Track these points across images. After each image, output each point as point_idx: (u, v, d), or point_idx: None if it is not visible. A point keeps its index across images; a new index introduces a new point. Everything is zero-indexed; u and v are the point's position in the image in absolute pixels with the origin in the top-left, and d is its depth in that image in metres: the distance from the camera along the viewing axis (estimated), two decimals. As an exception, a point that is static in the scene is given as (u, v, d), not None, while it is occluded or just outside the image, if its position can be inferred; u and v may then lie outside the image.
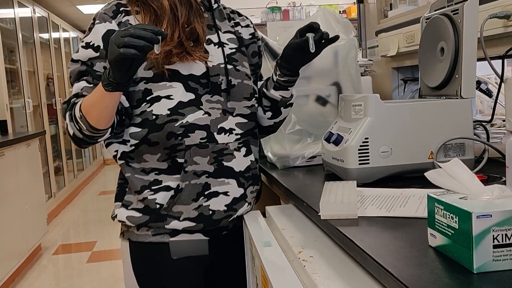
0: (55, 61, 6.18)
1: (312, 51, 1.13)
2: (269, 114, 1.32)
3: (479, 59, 1.30)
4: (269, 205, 1.33)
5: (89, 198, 6.41)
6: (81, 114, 1.08)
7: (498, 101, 1.43)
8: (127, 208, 1.19)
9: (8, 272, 3.29)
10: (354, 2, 2.68)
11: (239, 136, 1.22)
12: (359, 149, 1.16)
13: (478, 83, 1.92)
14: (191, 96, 1.16)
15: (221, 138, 1.18)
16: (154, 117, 1.15)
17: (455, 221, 0.63)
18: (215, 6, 1.28)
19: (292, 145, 1.52)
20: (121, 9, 1.18)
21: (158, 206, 1.16)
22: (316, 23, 1.16)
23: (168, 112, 1.14)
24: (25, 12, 5.12)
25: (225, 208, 1.19)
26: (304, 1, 5.25)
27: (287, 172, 1.47)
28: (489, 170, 1.18)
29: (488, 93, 1.82)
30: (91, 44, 1.15)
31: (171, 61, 1.13)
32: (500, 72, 1.31)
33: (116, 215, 1.21)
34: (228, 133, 1.20)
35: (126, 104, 1.15)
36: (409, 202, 0.97)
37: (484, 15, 1.33)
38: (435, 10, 1.37)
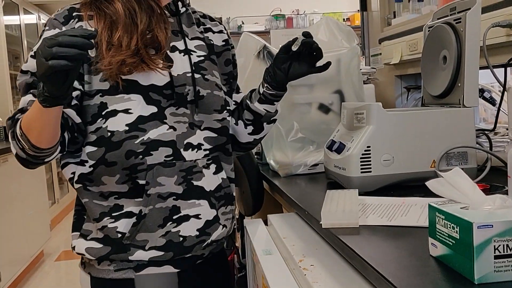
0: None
1: (294, 49, 1.07)
2: (250, 128, 1.20)
3: (482, 68, 1.30)
4: (271, 213, 1.33)
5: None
6: (21, 132, 0.96)
7: (501, 109, 1.43)
8: (85, 239, 1.06)
9: (10, 278, 3.29)
10: (358, 10, 2.68)
11: (207, 152, 1.10)
12: (361, 158, 1.16)
13: (482, 91, 1.92)
14: (153, 109, 1.03)
15: (188, 155, 1.06)
16: (109, 134, 1.02)
17: (456, 231, 0.63)
18: (182, 10, 1.15)
19: (295, 153, 1.52)
20: (74, 14, 1.07)
21: (119, 235, 1.02)
22: (309, 32, 1.11)
23: (127, 128, 1.02)
24: (30, 18, 5.15)
25: (197, 233, 1.06)
26: (307, 9, 5.27)
27: (289, 180, 1.46)
28: (492, 179, 1.18)
29: (491, 101, 1.81)
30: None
31: (125, 72, 1.01)
32: (502, 81, 1.31)
33: (74, 246, 1.08)
34: (196, 149, 1.07)
35: (78, 120, 1.03)
36: (411, 211, 0.97)
37: (487, 23, 1.34)
38: (438, 19, 1.37)
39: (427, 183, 0.73)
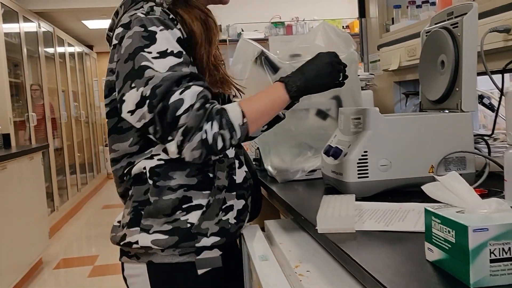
0: (60, 76, 6.22)
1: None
2: (265, 127, 1.33)
3: (480, 73, 1.30)
4: (269, 219, 1.32)
5: (92, 212, 6.40)
6: (244, 121, 1.03)
7: (499, 114, 1.42)
8: (148, 233, 1.11)
9: (9, 286, 3.27)
10: (357, 17, 2.69)
11: (235, 149, 1.23)
12: (358, 163, 1.15)
13: (481, 97, 1.91)
14: None
15: (230, 152, 1.19)
16: None
17: (452, 235, 0.62)
18: None
19: (292, 158, 1.51)
20: (171, 17, 1.10)
21: (189, 225, 1.11)
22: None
23: None
24: (30, 27, 5.17)
25: (235, 221, 1.18)
26: (307, 16, 5.29)
27: (287, 185, 1.46)
28: (490, 184, 1.17)
29: (491, 107, 1.81)
30: (168, 52, 1.03)
31: (215, 88, 1.16)
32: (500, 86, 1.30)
33: (137, 241, 1.12)
34: (232, 147, 1.17)
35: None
36: (408, 217, 0.96)
37: (485, 28, 1.33)
38: (435, 24, 1.37)
39: (423, 187, 0.72)
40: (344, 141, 1.24)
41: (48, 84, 5.59)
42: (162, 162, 1.11)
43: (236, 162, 1.22)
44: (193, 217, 1.11)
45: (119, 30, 1.10)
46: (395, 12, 2.27)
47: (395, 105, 2.28)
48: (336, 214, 0.91)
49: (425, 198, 0.77)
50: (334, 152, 1.21)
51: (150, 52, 1.02)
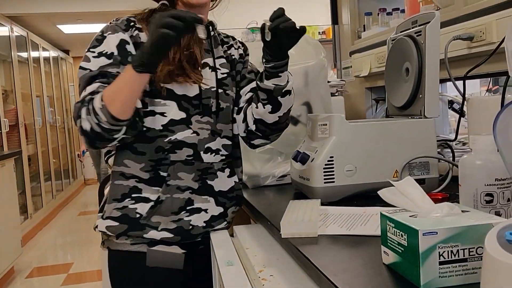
0: (34, 81, 6.14)
1: (267, 39, 1.10)
2: (268, 107, 1.22)
3: (446, 80, 1.33)
4: (240, 224, 1.33)
5: (68, 219, 6.31)
6: (102, 104, 1.07)
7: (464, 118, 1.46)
8: (103, 218, 1.22)
9: (-21, 295, 3.21)
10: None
11: (224, 157, 1.26)
12: (324, 168, 1.17)
13: (451, 102, 1.96)
14: (183, 115, 1.20)
15: (207, 158, 1.23)
16: (145, 129, 1.19)
17: (404, 238, 0.64)
18: (212, 33, 1.31)
19: (263, 164, 1.52)
20: (131, 24, 1.22)
21: (138, 215, 1.19)
22: (281, 9, 1.10)
23: (161, 128, 1.19)
24: (2, 31, 5.09)
25: (204, 225, 1.23)
26: (283, 22, 5.31)
27: (257, 191, 1.47)
28: (453, 188, 1.19)
29: (460, 112, 1.85)
30: (103, 52, 1.17)
31: (168, 80, 1.18)
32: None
33: (97, 226, 1.24)
34: (214, 153, 1.24)
35: (139, 104, 1.15)
36: (371, 221, 0.98)
37: (449, 36, 1.37)
38: (401, 32, 1.40)
39: (379, 192, 0.74)
40: (312, 146, 1.26)
41: (22, 90, 5.51)
42: (118, 147, 1.21)
43: (227, 170, 1.27)
44: (142, 208, 1.19)
45: None
46: (367, 19, 2.31)
47: (367, 111, 2.31)
48: (300, 219, 0.93)
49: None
50: (301, 158, 1.23)
51: (93, 52, 1.17)
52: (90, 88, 1.13)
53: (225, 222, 1.28)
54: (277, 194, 1.43)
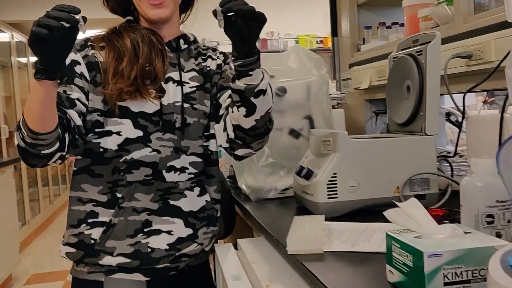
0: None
1: (220, 26, 1.00)
2: (243, 110, 1.10)
3: (444, 94, 1.36)
4: (243, 237, 1.35)
5: (65, 224, 6.29)
6: (22, 119, 1.03)
7: (462, 131, 1.49)
8: (63, 244, 1.20)
9: (-23, 302, 3.21)
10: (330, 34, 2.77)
11: (192, 176, 1.21)
12: (327, 184, 1.20)
13: (448, 115, 2.00)
14: (139, 133, 1.16)
15: (169, 176, 1.18)
16: (102, 150, 1.17)
17: (410, 259, 0.67)
18: (184, 47, 1.28)
19: (265, 177, 1.55)
20: (89, 43, 1.21)
21: (92, 241, 1.15)
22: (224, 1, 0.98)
23: (116, 148, 1.16)
24: (3, 37, 5.12)
25: (167, 247, 1.16)
26: (282, 31, 5.37)
27: (260, 204, 1.49)
28: (452, 204, 1.23)
29: (457, 124, 1.89)
30: None
31: (122, 99, 1.15)
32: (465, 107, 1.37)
33: (60, 250, 1.22)
34: (179, 172, 1.19)
35: (78, 122, 1.12)
36: (374, 237, 1.01)
37: (448, 54, 1.40)
38: (402, 50, 1.43)
39: (384, 213, 0.77)
40: (315, 162, 1.29)
41: (21, 95, 5.52)
42: (75, 172, 1.19)
43: (196, 189, 1.22)
44: (96, 233, 1.15)
45: None
46: (366, 33, 2.35)
47: (366, 123, 2.35)
48: (305, 235, 0.96)
49: (390, 218, 0.82)
50: (306, 173, 1.26)
51: None
52: None
53: (196, 244, 1.21)
54: (280, 207, 1.45)
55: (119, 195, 1.15)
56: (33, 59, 5.61)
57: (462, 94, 1.41)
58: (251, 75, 1.06)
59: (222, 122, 1.22)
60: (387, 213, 0.76)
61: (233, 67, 1.09)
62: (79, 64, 1.17)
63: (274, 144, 1.59)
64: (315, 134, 1.33)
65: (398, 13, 2.28)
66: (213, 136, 1.26)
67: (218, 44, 5.39)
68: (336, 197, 1.20)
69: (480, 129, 1.17)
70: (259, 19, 0.99)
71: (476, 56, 1.38)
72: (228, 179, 1.79)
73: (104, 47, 1.20)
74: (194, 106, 1.22)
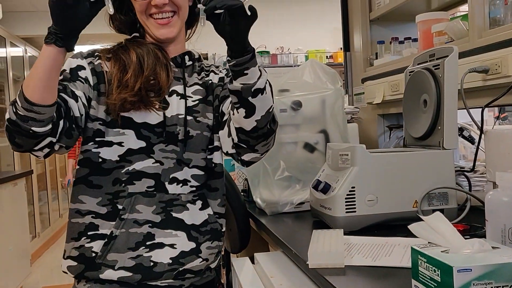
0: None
1: (203, 25, 1.00)
2: (242, 111, 1.08)
3: (460, 108, 1.36)
4: (258, 250, 1.35)
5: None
6: (21, 90, 1.01)
7: (480, 148, 1.48)
8: (64, 257, 1.17)
9: (-12, 315, 3.21)
10: (340, 48, 2.78)
11: (194, 189, 1.20)
12: (346, 198, 1.20)
13: (461, 130, 1.99)
14: (142, 144, 1.16)
15: (172, 188, 1.16)
16: (100, 160, 1.16)
17: (437, 274, 0.66)
18: (189, 63, 1.29)
19: (281, 191, 1.55)
20: (96, 54, 1.23)
21: (93, 254, 1.13)
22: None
23: (118, 159, 1.15)
24: (16, 51, 5.18)
25: (170, 261, 1.14)
26: (292, 46, 5.40)
27: (275, 218, 1.49)
28: (472, 219, 1.22)
29: (470, 140, 1.88)
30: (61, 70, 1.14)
31: (125, 109, 1.15)
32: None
33: (61, 265, 1.19)
34: (181, 184, 1.17)
35: (77, 113, 1.11)
36: (394, 251, 1.00)
37: (464, 68, 1.40)
38: (418, 64, 1.44)
39: (409, 227, 0.76)
40: (332, 176, 1.29)
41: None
42: (74, 181, 1.17)
43: (198, 202, 1.20)
44: (97, 246, 1.13)
45: None
46: (379, 47, 2.36)
47: (379, 137, 2.34)
48: (326, 249, 0.95)
49: (409, 232, 0.81)
50: (323, 187, 1.25)
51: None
52: None
53: (200, 260, 1.18)
54: (296, 221, 1.45)
55: (120, 207, 1.13)
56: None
57: (477, 109, 1.41)
58: (246, 74, 1.03)
59: (226, 127, 1.19)
60: (412, 227, 0.75)
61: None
62: (84, 69, 1.17)
63: (290, 158, 1.59)
64: (333, 148, 1.33)
65: (411, 28, 2.29)
66: (217, 149, 1.25)
67: (228, 58, 5.42)
68: (354, 211, 1.20)
69: (500, 143, 1.16)
70: (249, 15, 0.94)
71: (493, 70, 1.38)
72: (242, 193, 1.79)
73: (110, 58, 1.21)
74: (197, 118, 1.22)
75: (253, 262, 1.29)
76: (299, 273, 1.09)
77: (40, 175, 5.78)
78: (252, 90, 1.05)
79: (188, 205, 1.18)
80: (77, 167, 1.18)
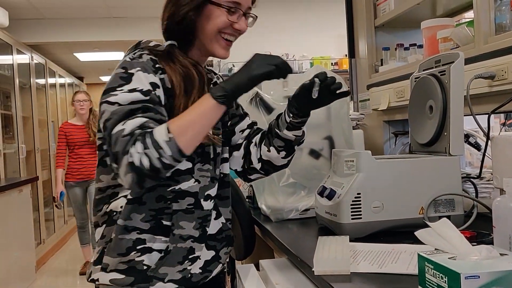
0: (50, 106, 6.24)
1: (314, 97, 1.14)
2: (283, 153, 1.27)
3: (466, 114, 1.35)
4: (262, 257, 1.34)
5: (79, 244, 6.29)
6: (170, 136, 1.01)
7: (486, 154, 1.47)
8: (106, 271, 1.16)
9: (-7, 322, 3.21)
10: (345, 55, 2.78)
11: (214, 201, 1.23)
12: (351, 204, 1.19)
13: (467, 136, 1.98)
14: (189, 165, 1.17)
15: (206, 205, 1.20)
16: None
17: (445, 280, 0.66)
18: (214, 79, 1.31)
19: (286, 197, 1.54)
20: (157, 66, 1.16)
21: (145, 267, 1.15)
22: (324, 73, 1.16)
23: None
24: (23, 58, 5.21)
25: (201, 271, 1.20)
26: (297, 53, 5.40)
27: (280, 224, 1.48)
28: (479, 225, 1.21)
29: (476, 146, 1.87)
30: (138, 89, 1.09)
31: None
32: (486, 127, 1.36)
33: (98, 279, 1.18)
34: (212, 200, 1.21)
35: None
36: (401, 258, 0.99)
37: (469, 74, 1.40)
38: (424, 70, 1.43)
39: (416, 233, 0.75)
40: (338, 182, 1.28)
41: (39, 116, 5.60)
42: (126, 201, 1.15)
43: (213, 213, 1.23)
44: (149, 260, 1.14)
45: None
46: (384, 54, 2.35)
47: (385, 144, 2.33)
48: (332, 256, 0.94)
49: (415, 239, 0.80)
50: (328, 194, 1.25)
51: (121, 90, 1.08)
52: (134, 122, 1.04)
53: (221, 265, 1.25)
54: (301, 228, 1.44)
55: (166, 223, 1.16)
56: (51, 80, 5.65)
57: (483, 115, 1.40)
58: (301, 129, 1.24)
59: (242, 150, 1.32)
60: (418, 233, 0.75)
61: (285, 119, 1.23)
62: (158, 87, 1.12)
63: (295, 164, 1.58)
64: (338, 154, 1.32)
65: (416, 35, 2.28)
66: (226, 160, 1.29)
67: (234, 66, 5.44)
68: (360, 218, 1.19)
69: (507, 149, 1.15)
70: (345, 94, 1.19)
71: (499, 76, 1.37)
72: (247, 199, 1.79)
73: (169, 74, 1.16)
74: (219, 135, 1.26)
75: (258, 269, 1.28)
76: (304, 280, 1.09)
77: (45, 182, 5.80)
78: (300, 141, 1.27)
79: (209, 217, 1.22)
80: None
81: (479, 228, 1.19)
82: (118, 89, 1.08)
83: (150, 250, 1.14)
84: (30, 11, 5.27)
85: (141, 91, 1.09)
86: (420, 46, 2.07)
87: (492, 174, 1.47)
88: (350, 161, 1.24)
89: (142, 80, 1.10)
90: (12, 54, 4.79)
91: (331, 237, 1.10)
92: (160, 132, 1.01)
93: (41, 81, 5.98)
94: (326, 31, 5.73)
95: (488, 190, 1.58)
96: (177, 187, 1.16)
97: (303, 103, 1.20)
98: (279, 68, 1.07)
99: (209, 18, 1.18)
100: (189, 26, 1.18)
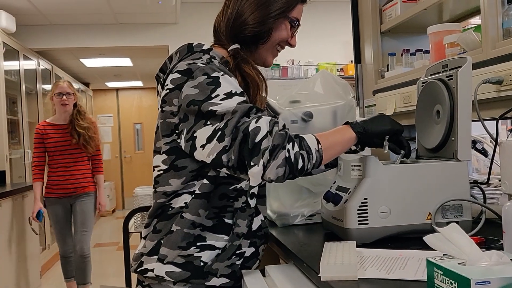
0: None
1: (385, 152, 1.27)
2: (323, 167, 1.39)
3: (474, 120, 1.34)
4: (268, 263, 1.33)
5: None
6: (320, 147, 1.11)
7: (494, 160, 1.46)
8: (163, 262, 1.20)
9: (-3, 327, 3.21)
10: (351, 61, 2.77)
11: (256, 199, 1.30)
12: (358, 209, 1.18)
13: (474, 142, 1.96)
14: None
15: (252, 202, 1.27)
16: (215, 173, 1.20)
17: (454, 286, 0.64)
18: None
19: (292, 203, 1.53)
20: (227, 68, 1.23)
21: (202, 263, 1.20)
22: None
23: (225, 175, 1.20)
24: (29, 64, 5.24)
25: (241, 266, 1.26)
26: (302, 59, 5.40)
27: (286, 230, 1.47)
28: (487, 231, 1.19)
29: (483, 152, 1.86)
30: (233, 92, 1.14)
31: None
32: (494, 133, 1.34)
33: (153, 269, 1.20)
34: (255, 198, 1.28)
35: None
36: (408, 264, 0.98)
37: (477, 79, 1.39)
38: (431, 75, 1.42)
39: (424, 238, 0.74)
40: (344, 187, 1.27)
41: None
42: (193, 196, 1.20)
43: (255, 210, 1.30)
44: (207, 256, 1.20)
45: (175, 75, 1.18)
46: (390, 59, 2.35)
47: (391, 149, 2.32)
48: (339, 262, 0.93)
49: (423, 245, 0.80)
50: (334, 199, 1.24)
51: (217, 95, 1.12)
52: (266, 120, 1.08)
53: (258, 261, 1.31)
54: (307, 233, 1.43)
55: (228, 221, 1.22)
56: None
57: (491, 120, 1.39)
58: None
59: None
60: (427, 238, 0.74)
61: None
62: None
63: (301, 170, 1.58)
64: (344, 159, 1.31)
65: (422, 40, 2.28)
66: None
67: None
68: (366, 223, 1.18)
69: (515, 154, 1.14)
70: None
71: (507, 81, 1.36)
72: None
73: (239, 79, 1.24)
74: None
75: (264, 275, 1.27)
76: (310, 286, 1.07)
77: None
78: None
79: (254, 214, 1.28)
80: (207, 182, 1.20)
81: (487, 234, 1.17)
82: (212, 95, 1.12)
83: (211, 247, 1.20)
84: (36, 17, 5.30)
85: (236, 93, 1.14)
86: (427, 52, 2.07)
87: (500, 180, 1.46)
88: (357, 166, 1.23)
89: (231, 82, 1.16)
90: (19, 60, 4.82)
91: (337, 243, 1.09)
92: (311, 141, 1.11)
93: (47, 86, 6.01)
94: (332, 37, 5.74)
95: (496, 196, 1.57)
96: (238, 185, 1.22)
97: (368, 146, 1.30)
98: (399, 131, 1.25)
99: (277, 29, 1.28)
100: (265, 33, 1.27)
